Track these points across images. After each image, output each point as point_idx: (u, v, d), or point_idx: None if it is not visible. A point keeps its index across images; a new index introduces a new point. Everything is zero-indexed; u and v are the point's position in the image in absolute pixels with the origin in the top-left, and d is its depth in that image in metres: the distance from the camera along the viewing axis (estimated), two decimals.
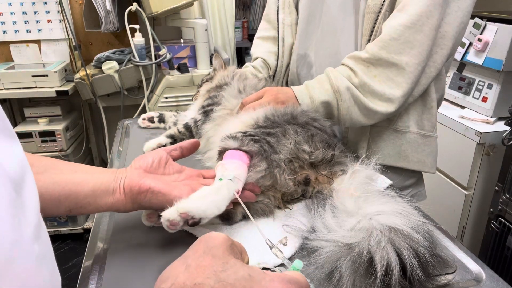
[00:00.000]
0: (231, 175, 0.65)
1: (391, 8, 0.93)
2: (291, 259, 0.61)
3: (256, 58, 1.29)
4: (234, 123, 0.88)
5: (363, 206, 0.62)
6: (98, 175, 0.62)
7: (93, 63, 2.10)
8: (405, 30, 0.88)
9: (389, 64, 0.90)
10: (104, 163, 2.68)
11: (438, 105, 1.06)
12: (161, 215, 0.59)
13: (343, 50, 1.06)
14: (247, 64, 1.29)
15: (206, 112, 1.02)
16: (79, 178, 0.59)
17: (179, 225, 0.58)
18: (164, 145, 1.02)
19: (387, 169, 0.80)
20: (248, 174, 0.69)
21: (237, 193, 0.64)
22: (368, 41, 0.96)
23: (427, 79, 0.94)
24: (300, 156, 0.73)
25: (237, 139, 0.73)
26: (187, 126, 1.02)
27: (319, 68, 1.12)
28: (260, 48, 1.29)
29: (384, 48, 0.89)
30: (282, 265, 0.55)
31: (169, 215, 0.58)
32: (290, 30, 1.21)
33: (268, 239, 0.53)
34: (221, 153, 0.74)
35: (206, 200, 0.60)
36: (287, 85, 1.27)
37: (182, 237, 0.65)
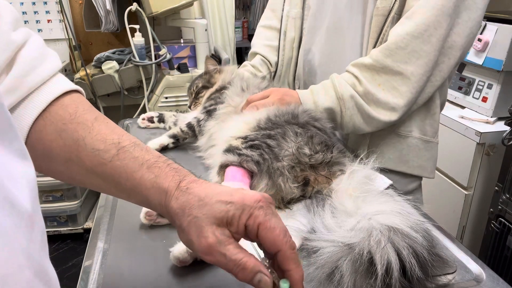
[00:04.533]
0: None
1: (400, 12, 0.91)
2: None
3: (256, 54, 1.26)
4: (237, 122, 0.88)
5: (362, 206, 0.63)
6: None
7: (93, 63, 2.10)
8: (412, 40, 0.87)
9: (394, 72, 0.89)
10: None
11: (440, 109, 1.06)
12: (170, 251, 0.60)
13: (348, 49, 1.05)
14: (245, 63, 1.27)
15: (209, 111, 1.02)
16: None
17: (189, 262, 0.60)
18: (167, 145, 1.02)
19: (389, 173, 0.80)
20: None
21: None
22: (375, 43, 0.96)
23: (432, 88, 0.93)
24: (302, 160, 0.74)
25: (236, 154, 0.75)
26: (190, 125, 1.02)
27: (323, 66, 1.12)
28: (261, 40, 1.26)
29: (390, 56, 0.89)
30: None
31: (179, 254, 0.59)
32: (294, 23, 1.18)
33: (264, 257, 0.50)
34: (222, 168, 0.76)
35: None
36: (293, 80, 1.26)
37: None
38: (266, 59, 1.25)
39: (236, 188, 0.48)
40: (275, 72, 1.25)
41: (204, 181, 0.49)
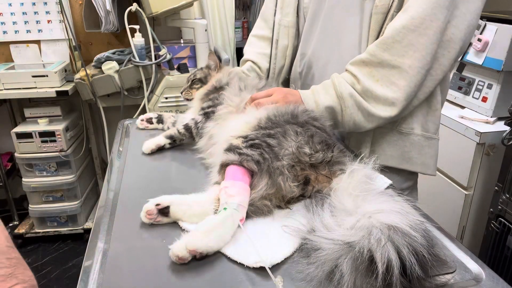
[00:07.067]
0: (235, 203, 0.67)
1: (399, 9, 0.91)
2: (289, 259, 0.61)
3: (247, 61, 1.27)
4: (238, 121, 0.89)
5: (361, 205, 0.63)
6: None
7: (93, 64, 2.10)
8: (408, 33, 0.86)
9: (391, 66, 0.89)
10: (104, 163, 2.68)
11: (441, 105, 1.05)
12: (169, 248, 0.61)
13: (345, 51, 1.05)
14: (237, 68, 1.29)
15: (207, 113, 1.01)
16: None
17: (188, 260, 0.61)
18: (163, 146, 1.02)
19: (389, 171, 0.80)
20: (251, 197, 0.71)
21: (241, 220, 0.67)
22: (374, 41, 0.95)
23: (433, 82, 0.93)
24: (302, 160, 0.74)
25: (237, 153, 0.75)
26: (187, 127, 1.02)
27: (321, 69, 1.12)
28: (253, 48, 1.28)
29: (386, 51, 0.89)
30: None
31: (178, 251, 0.60)
32: (287, 32, 1.19)
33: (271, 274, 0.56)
34: (223, 167, 0.76)
35: (213, 235, 0.63)
36: (288, 84, 1.26)
37: (182, 235, 0.65)
38: (256, 65, 1.26)
39: None
40: (266, 79, 1.26)
41: None
